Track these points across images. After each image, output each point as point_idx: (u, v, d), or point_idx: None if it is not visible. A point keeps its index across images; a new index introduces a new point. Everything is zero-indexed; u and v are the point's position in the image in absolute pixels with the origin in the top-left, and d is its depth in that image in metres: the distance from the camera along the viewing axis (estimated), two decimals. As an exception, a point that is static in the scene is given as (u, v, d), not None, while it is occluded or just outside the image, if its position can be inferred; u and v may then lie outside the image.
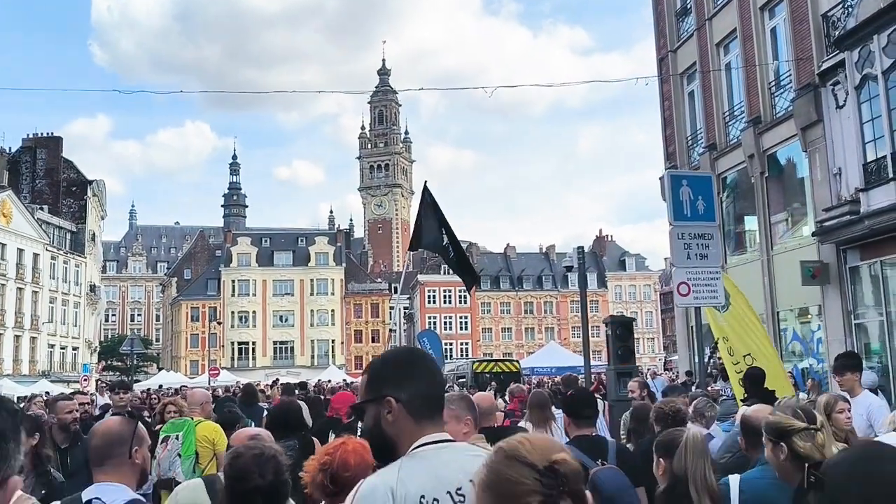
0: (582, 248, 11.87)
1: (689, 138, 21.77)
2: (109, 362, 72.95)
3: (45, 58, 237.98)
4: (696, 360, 11.13)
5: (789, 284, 16.64)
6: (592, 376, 14.46)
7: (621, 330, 9.92)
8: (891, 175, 13.59)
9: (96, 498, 2.62)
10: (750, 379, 7.21)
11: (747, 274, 17.53)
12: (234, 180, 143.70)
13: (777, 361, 8.15)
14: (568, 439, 4.85)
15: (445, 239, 9.28)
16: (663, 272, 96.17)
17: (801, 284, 15.75)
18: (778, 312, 17.63)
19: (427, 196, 9.45)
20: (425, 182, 9.61)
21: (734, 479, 3.35)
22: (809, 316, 17.17)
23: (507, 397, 11.42)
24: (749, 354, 8.00)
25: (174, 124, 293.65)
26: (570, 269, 14.97)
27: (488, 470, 1.58)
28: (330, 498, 3.05)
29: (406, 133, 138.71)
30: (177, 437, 6.57)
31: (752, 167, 18.13)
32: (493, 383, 19.37)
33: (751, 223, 19.08)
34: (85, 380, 37.66)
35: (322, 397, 15.60)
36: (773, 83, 18.00)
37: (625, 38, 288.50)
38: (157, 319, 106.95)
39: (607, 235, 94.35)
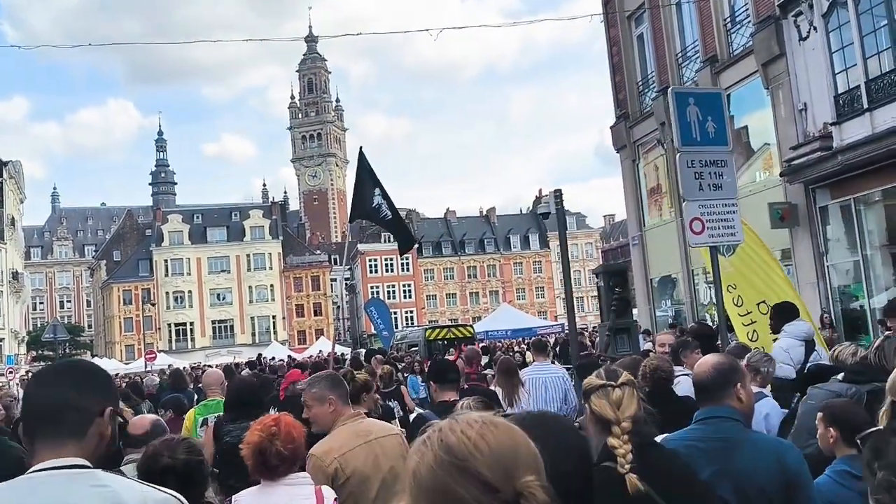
0: (560, 191, 10.67)
1: (640, 83, 20.85)
2: (41, 352, 69.80)
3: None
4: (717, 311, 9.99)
5: (755, 228, 15.84)
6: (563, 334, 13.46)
7: (615, 280, 8.71)
8: (865, 105, 12.83)
9: None
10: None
11: (710, 221, 16.72)
12: (161, 157, 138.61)
13: (801, 305, 7.18)
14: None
15: (376, 200, 9.03)
16: (603, 229, 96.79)
17: (769, 228, 14.97)
18: (744, 259, 16.91)
19: (363, 162, 9.20)
20: (360, 148, 9.28)
21: None
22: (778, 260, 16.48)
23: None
24: (764, 301, 7.05)
25: (96, 103, 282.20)
26: (545, 215, 13.90)
27: (430, 475, 1.16)
28: (271, 470, 3.19)
29: (337, 101, 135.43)
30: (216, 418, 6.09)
31: (711, 109, 17.25)
32: (452, 349, 18.30)
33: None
34: (10, 371, 35.58)
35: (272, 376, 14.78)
36: (729, 19, 17.12)
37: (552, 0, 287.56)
38: (88, 305, 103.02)
39: (546, 196, 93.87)
